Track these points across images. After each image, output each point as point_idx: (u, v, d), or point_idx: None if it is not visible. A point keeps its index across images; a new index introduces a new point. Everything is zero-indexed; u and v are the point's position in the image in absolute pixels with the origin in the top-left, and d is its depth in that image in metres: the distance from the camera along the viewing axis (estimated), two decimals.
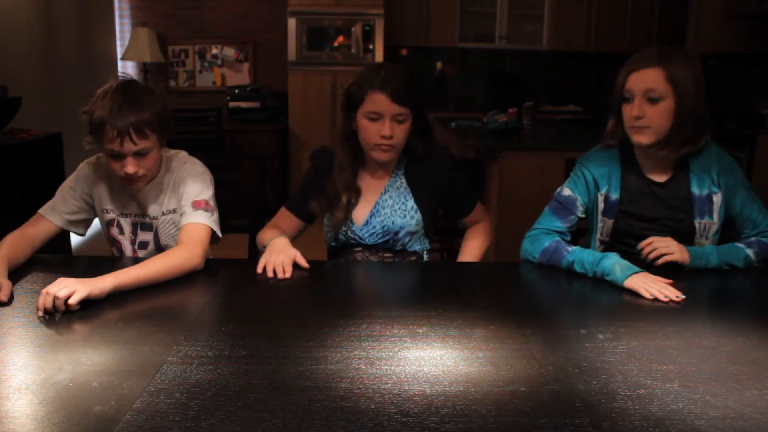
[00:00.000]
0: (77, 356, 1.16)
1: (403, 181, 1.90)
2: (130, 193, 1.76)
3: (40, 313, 1.34)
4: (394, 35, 5.59)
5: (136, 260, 1.65)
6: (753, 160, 4.41)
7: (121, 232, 1.79)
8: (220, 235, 1.73)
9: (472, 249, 1.99)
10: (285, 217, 1.93)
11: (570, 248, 1.69)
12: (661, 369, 1.15)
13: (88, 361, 1.14)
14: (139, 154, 1.63)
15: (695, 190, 1.74)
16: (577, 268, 1.64)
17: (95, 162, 1.79)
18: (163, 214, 1.77)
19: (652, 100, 1.66)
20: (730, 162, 1.76)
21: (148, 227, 1.79)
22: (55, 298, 1.33)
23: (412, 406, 1.01)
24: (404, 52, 5.91)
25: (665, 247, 1.65)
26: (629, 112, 1.68)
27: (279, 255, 1.66)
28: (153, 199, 1.77)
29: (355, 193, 1.87)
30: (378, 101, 1.73)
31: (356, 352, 1.19)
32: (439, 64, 5.99)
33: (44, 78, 4.35)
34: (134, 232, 1.79)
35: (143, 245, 1.80)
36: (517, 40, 5.83)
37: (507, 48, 5.88)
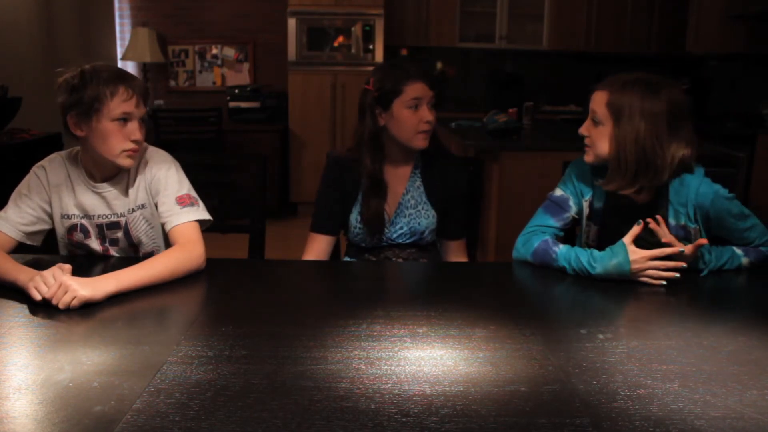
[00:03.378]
0: (77, 356, 1.16)
1: (421, 181, 1.97)
2: (95, 193, 1.71)
3: (38, 298, 1.37)
4: (394, 35, 5.59)
5: (134, 260, 1.64)
6: (753, 160, 4.41)
7: (87, 236, 1.73)
8: (211, 218, 1.74)
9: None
10: (315, 241, 1.97)
11: (557, 249, 1.67)
12: (661, 369, 1.15)
13: (88, 361, 1.14)
14: (142, 121, 1.65)
15: (671, 220, 1.70)
16: (570, 272, 1.64)
17: (49, 166, 1.72)
18: (132, 210, 1.73)
19: (595, 122, 1.68)
20: (709, 198, 1.65)
21: (115, 225, 1.73)
22: (58, 304, 1.36)
23: (412, 406, 1.01)
24: (404, 52, 5.91)
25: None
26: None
27: None
28: (120, 194, 1.72)
29: (384, 190, 1.93)
30: (418, 89, 1.86)
31: (356, 352, 1.19)
32: (439, 64, 6.00)
33: (44, 78, 4.35)
34: (101, 233, 1.74)
35: (114, 242, 1.75)
36: (517, 40, 5.82)
37: (507, 48, 5.87)
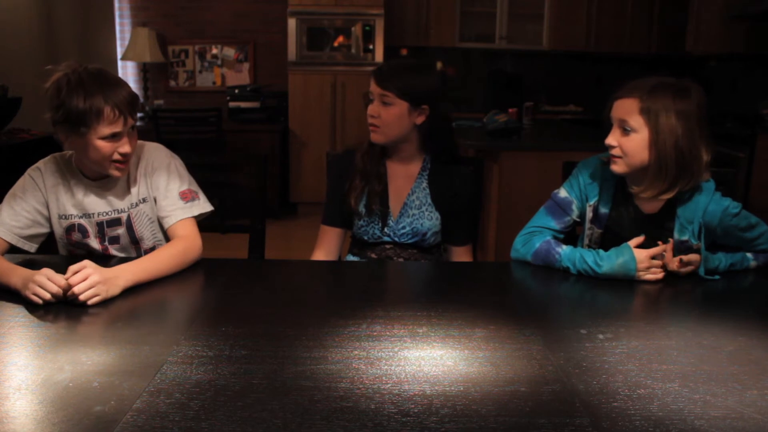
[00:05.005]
0: (77, 356, 1.16)
1: (428, 183, 1.98)
2: (94, 191, 1.72)
3: (39, 302, 1.37)
4: (394, 35, 5.59)
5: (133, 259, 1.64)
6: (753, 160, 4.40)
7: (85, 235, 1.73)
8: (212, 207, 1.78)
9: None
10: (326, 233, 2.03)
11: (560, 250, 1.68)
12: (661, 369, 1.15)
13: (88, 361, 1.14)
14: (131, 130, 1.64)
15: (676, 234, 1.69)
16: (574, 272, 1.65)
17: (44, 167, 1.72)
18: (136, 204, 1.74)
19: (626, 131, 1.62)
20: (717, 217, 1.66)
21: (115, 222, 1.74)
22: (78, 297, 1.37)
23: (412, 406, 1.01)
24: (404, 52, 5.91)
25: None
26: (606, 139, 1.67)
27: None
28: (120, 191, 1.73)
29: (380, 179, 1.96)
30: (371, 84, 1.92)
31: (356, 352, 1.19)
32: (439, 64, 6.00)
33: (44, 78, 4.35)
34: (101, 231, 1.74)
35: (113, 240, 1.75)
36: (517, 40, 5.83)
37: (507, 48, 5.88)
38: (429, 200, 1.97)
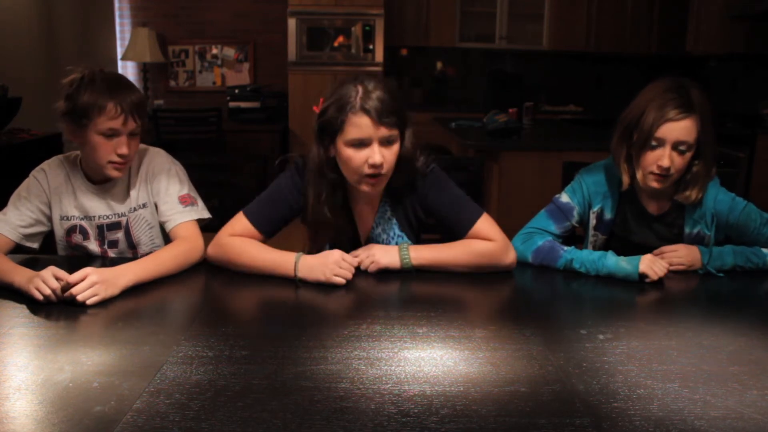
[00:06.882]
0: (77, 356, 1.16)
1: (392, 212, 1.72)
2: (96, 194, 1.73)
3: (39, 298, 1.38)
4: (394, 35, 5.59)
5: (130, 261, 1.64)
6: (753, 160, 4.40)
7: (86, 237, 1.74)
8: (210, 215, 1.79)
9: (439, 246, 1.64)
10: (246, 230, 1.64)
11: (566, 247, 1.69)
12: (661, 369, 1.15)
13: (88, 361, 1.14)
14: (132, 135, 1.65)
15: (687, 229, 1.71)
16: (576, 265, 1.64)
17: (48, 169, 1.74)
18: (134, 209, 1.75)
19: (681, 152, 1.60)
20: (727, 204, 1.69)
21: (115, 226, 1.75)
22: (76, 298, 1.37)
23: (412, 406, 1.01)
24: (404, 52, 5.92)
25: (677, 258, 1.65)
26: (655, 159, 1.60)
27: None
28: (121, 196, 1.75)
29: (350, 225, 1.71)
30: (362, 125, 1.49)
31: (356, 352, 1.19)
32: (439, 64, 6.00)
33: (44, 78, 4.35)
34: (101, 234, 1.75)
35: (113, 244, 1.77)
36: (517, 40, 5.83)
37: (507, 48, 5.88)
38: (397, 231, 1.71)
